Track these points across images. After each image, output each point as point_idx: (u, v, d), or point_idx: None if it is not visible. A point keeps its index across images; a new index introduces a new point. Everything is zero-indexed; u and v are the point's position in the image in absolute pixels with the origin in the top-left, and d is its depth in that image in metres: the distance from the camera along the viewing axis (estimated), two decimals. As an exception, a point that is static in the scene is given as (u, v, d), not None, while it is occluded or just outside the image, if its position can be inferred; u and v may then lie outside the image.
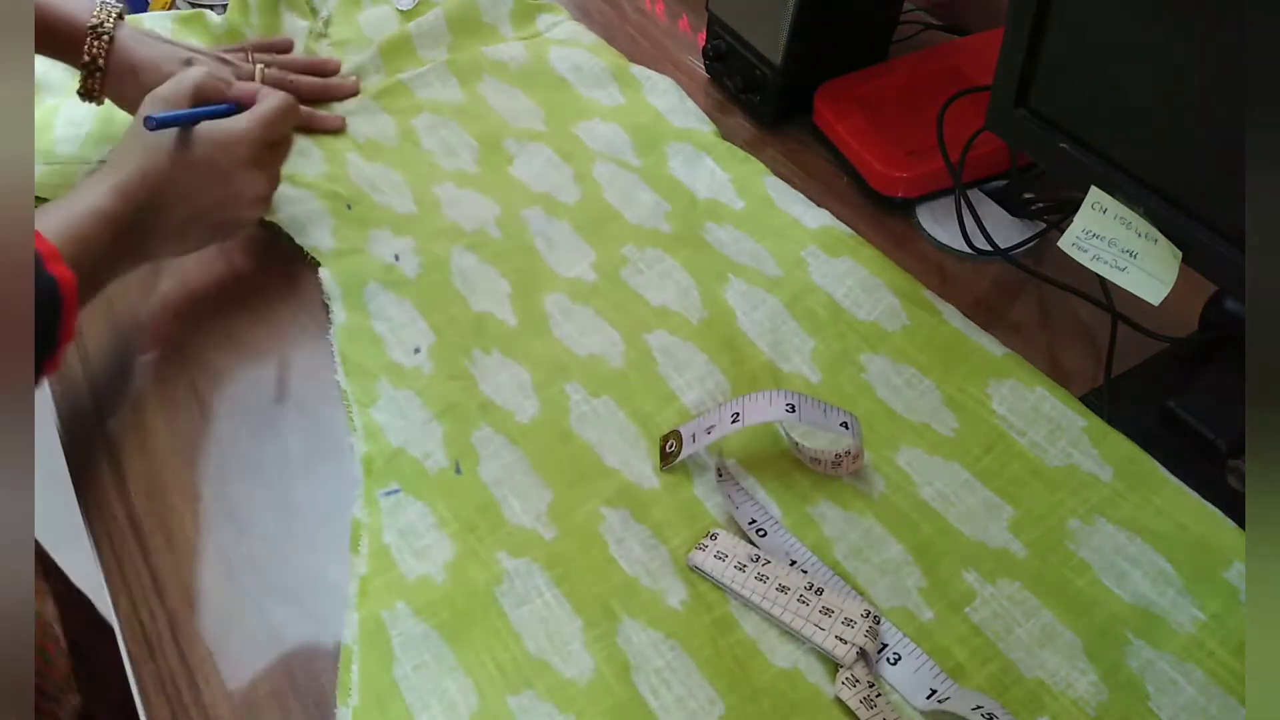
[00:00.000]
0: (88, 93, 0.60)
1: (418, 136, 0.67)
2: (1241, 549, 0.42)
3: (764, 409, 0.45)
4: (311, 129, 0.67)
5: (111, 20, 0.60)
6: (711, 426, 0.46)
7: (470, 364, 0.53)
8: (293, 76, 0.68)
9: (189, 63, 0.63)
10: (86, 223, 0.48)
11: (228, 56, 0.67)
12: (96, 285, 0.50)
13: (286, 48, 0.73)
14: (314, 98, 0.68)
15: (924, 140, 0.60)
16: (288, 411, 0.52)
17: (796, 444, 0.48)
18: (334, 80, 0.71)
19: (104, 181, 0.49)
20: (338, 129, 0.67)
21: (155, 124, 0.50)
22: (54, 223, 0.47)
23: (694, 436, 0.47)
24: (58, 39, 0.59)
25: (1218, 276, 0.44)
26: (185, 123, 0.52)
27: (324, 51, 0.74)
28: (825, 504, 0.46)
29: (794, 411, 0.44)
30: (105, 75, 0.60)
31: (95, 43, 0.59)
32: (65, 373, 0.54)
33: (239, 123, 0.54)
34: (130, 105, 0.61)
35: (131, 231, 0.50)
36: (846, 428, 0.45)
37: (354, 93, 0.70)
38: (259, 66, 0.66)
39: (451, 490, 0.47)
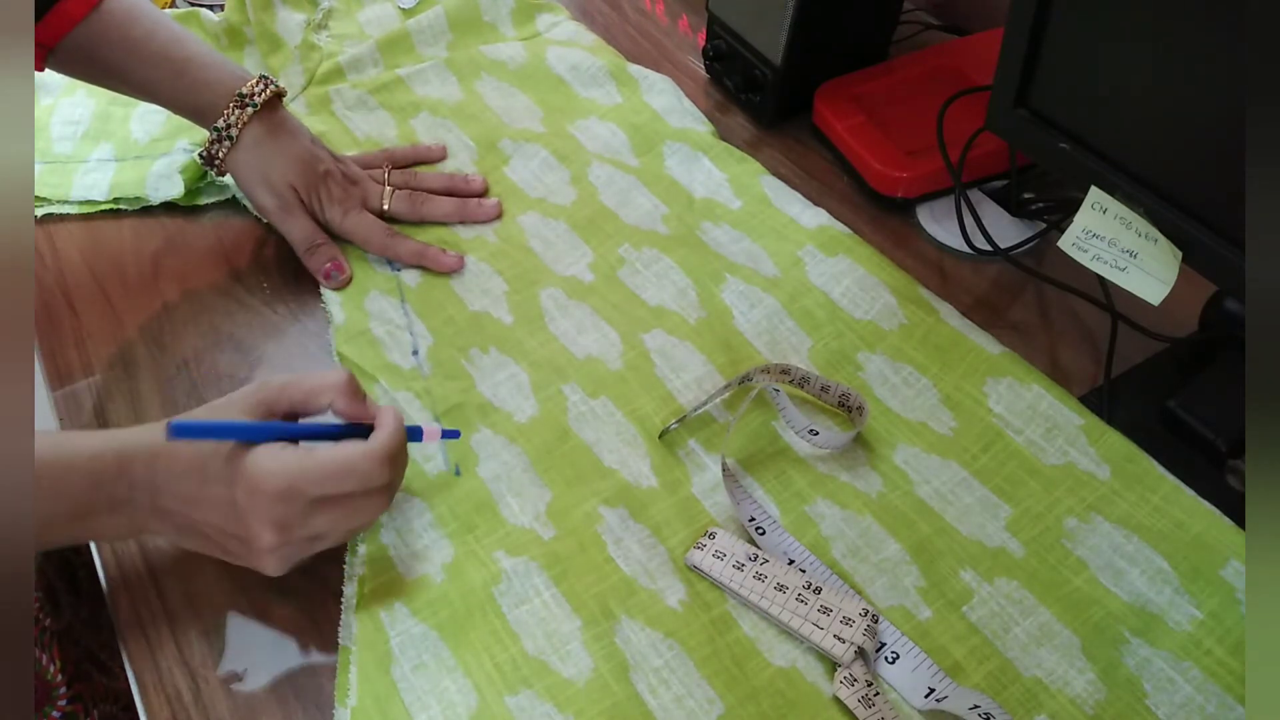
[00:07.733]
0: (210, 158, 0.56)
1: (416, 137, 0.67)
2: (1238, 547, 0.42)
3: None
4: (425, 266, 0.58)
5: (264, 95, 0.55)
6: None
7: (468, 364, 0.53)
8: (425, 198, 0.61)
9: (326, 174, 0.57)
10: (60, 466, 0.40)
11: (359, 173, 0.60)
12: (69, 531, 0.41)
13: (437, 158, 0.66)
14: (449, 221, 0.61)
15: (924, 140, 0.60)
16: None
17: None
18: (472, 202, 0.62)
19: (125, 437, 0.41)
20: (453, 269, 0.58)
21: (174, 433, 0.38)
22: (44, 446, 0.39)
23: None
24: (197, 95, 0.55)
25: (1218, 276, 0.44)
26: (216, 439, 0.40)
27: (323, 43, 0.74)
28: (823, 503, 0.46)
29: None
30: (235, 146, 0.55)
31: (237, 111, 0.55)
32: (66, 374, 0.54)
33: (290, 464, 0.39)
34: (243, 182, 0.57)
35: (116, 503, 0.40)
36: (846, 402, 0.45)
37: (496, 216, 0.62)
38: (388, 189, 0.60)
39: (450, 490, 0.47)
